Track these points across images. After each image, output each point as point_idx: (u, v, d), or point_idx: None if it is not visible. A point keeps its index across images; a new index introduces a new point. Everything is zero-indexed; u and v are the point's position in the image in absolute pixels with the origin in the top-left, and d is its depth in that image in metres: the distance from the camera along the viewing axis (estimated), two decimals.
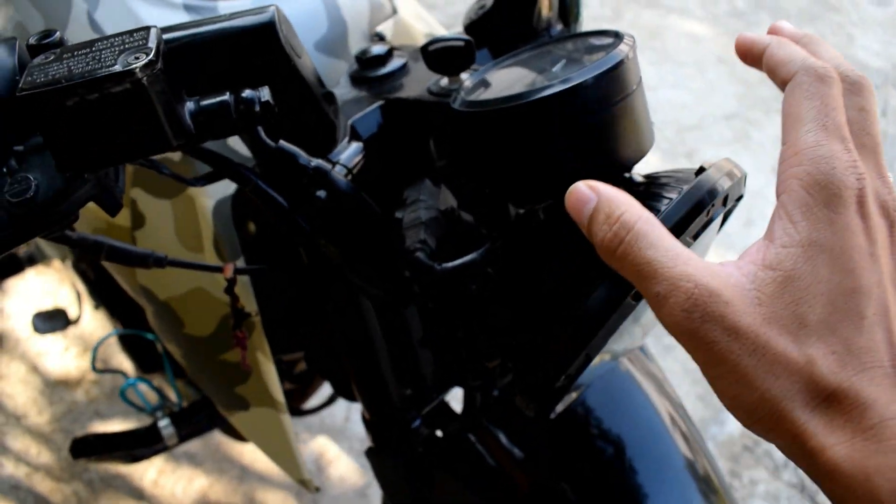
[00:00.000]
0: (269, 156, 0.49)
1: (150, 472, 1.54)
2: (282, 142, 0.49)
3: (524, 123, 0.44)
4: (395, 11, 0.76)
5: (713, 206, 0.43)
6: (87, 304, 1.22)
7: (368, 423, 0.71)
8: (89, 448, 0.92)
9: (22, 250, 1.39)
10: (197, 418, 0.92)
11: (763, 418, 0.30)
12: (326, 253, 0.55)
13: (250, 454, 1.58)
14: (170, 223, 0.68)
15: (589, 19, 2.61)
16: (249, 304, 0.67)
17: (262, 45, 0.45)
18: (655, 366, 0.74)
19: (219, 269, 0.57)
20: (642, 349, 0.75)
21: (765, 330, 0.30)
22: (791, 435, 0.30)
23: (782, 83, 0.36)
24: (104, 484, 1.52)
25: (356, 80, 0.63)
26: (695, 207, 0.42)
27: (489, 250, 0.49)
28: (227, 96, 0.40)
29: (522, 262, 0.50)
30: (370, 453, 0.72)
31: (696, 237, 0.44)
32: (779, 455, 1.72)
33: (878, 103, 2.54)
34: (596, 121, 0.45)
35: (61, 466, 1.54)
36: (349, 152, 0.54)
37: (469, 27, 0.64)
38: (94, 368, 0.94)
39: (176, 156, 0.63)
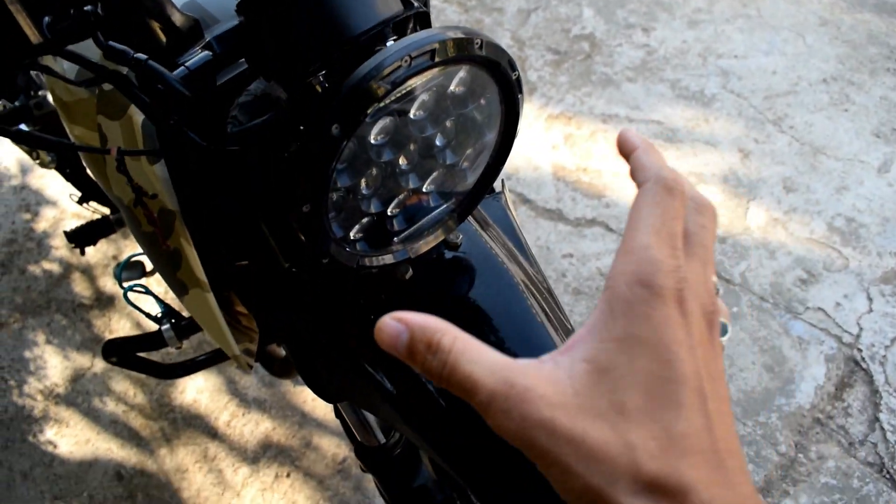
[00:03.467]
0: (107, 53, 0.61)
1: (224, 415, 1.72)
2: (111, 42, 0.60)
3: (268, 5, 0.53)
4: None
5: (409, 58, 0.49)
6: None
7: None
8: (117, 348, 1.09)
9: (113, 215, 1.63)
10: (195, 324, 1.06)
11: None
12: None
13: (311, 403, 1.73)
14: (120, 138, 0.82)
15: None
16: (170, 196, 0.78)
17: None
18: (533, 262, 0.77)
19: (106, 151, 0.70)
20: (525, 254, 0.79)
21: (581, 419, 0.31)
22: None
23: (638, 186, 0.39)
24: (185, 423, 1.73)
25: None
26: (380, 64, 0.49)
27: (271, 118, 0.58)
28: (72, 12, 0.55)
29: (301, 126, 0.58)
30: None
31: (394, 86, 0.50)
32: (855, 430, 1.62)
33: None
34: None
35: (152, 407, 1.76)
36: (196, 58, 0.64)
37: None
38: (126, 299, 1.10)
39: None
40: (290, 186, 0.53)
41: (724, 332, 0.38)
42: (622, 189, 2.04)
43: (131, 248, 2.08)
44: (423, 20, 0.60)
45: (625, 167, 0.42)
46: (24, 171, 2.31)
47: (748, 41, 2.40)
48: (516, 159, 2.11)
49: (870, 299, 1.81)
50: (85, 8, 0.56)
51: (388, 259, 0.63)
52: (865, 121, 2.17)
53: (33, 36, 0.56)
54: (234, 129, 0.59)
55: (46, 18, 0.55)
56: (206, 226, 0.79)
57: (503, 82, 0.58)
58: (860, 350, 1.73)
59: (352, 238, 0.61)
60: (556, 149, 2.16)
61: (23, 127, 1.67)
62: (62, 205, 2.20)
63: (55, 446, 1.73)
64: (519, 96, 0.60)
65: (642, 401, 0.31)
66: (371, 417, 0.92)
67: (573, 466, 0.30)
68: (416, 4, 0.56)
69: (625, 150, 0.42)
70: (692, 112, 2.22)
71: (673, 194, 0.36)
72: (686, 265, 0.34)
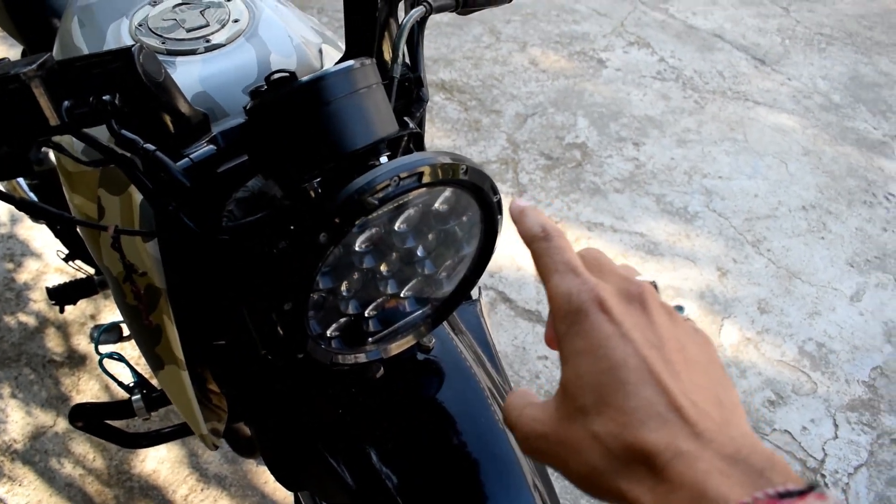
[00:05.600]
0: (118, 140, 0.64)
1: (182, 489, 1.69)
2: (123, 130, 0.63)
3: (274, 114, 0.57)
4: (321, 68, 0.91)
5: (398, 178, 0.53)
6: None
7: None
8: (85, 414, 1.08)
9: (97, 276, 1.64)
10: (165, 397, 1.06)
11: (593, 486, 0.36)
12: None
13: (272, 485, 1.70)
14: (118, 213, 0.85)
15: (670, 111, 2.67)
16: (159, 275, 0.80)
17: (122, 66, 0.61)
18: (501, 370, 0.79)
19: (104, 228, 0.72)
20: (494, 363, 0.81)
21: (562, 428, 0.37)
22: (616, 495, 0.35)
23: (527, 246, 0.46)
24: (142, 493, 1.69)
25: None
26: (371, 181, 0.52)
27: (263, 217, 0.61)
28: (91, 99, 0.58)
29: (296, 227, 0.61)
30: None
31: (382, 202, 0.54)
32: None
33: None
34: (329, 108, 0.56)
35: (110, 473, 1.73)
36: (200, 151, 0.68)
37: None
38: (100, 365, 1.11)
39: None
40: (275, 282, 0.56)
41: (680, 311, 0.43)
42: None
43: (110, 308, 2.08)
44: (417, 139, 0.64)
45: None
46: (14, 220, 2.33)
47: (733, 163, 2.49)
48: (500, 259, 2.15)
49: (836, 425, 1.83)
50: (103, 98, 0.60)
51: (361, 358, 0.65)
52: (841, 250, 2.24)
53: (52, 118, 0.59)
54: (229, 223, 0.62)
55: (66, 103, 0.58)
56: (189, 305, 0.81)
57: (484, 204, 0.61)
58: (824, 476, 1.74)
59: (328, 335, 0.63)
60: None
61: (21, 182, 1.70)
62: (46, 259, 2.21)
63: None
64: (498, 217, 0.63)
65: (594, 396, 0.36)
66: None
67: (568, 461, 0.37)
68: (411, 126, 0.60)
69: (513, 216, 0.48)
70: (675, 227, 2.29)
71: (548, 238, 0.43)
72: (591, 277, 0.41)
